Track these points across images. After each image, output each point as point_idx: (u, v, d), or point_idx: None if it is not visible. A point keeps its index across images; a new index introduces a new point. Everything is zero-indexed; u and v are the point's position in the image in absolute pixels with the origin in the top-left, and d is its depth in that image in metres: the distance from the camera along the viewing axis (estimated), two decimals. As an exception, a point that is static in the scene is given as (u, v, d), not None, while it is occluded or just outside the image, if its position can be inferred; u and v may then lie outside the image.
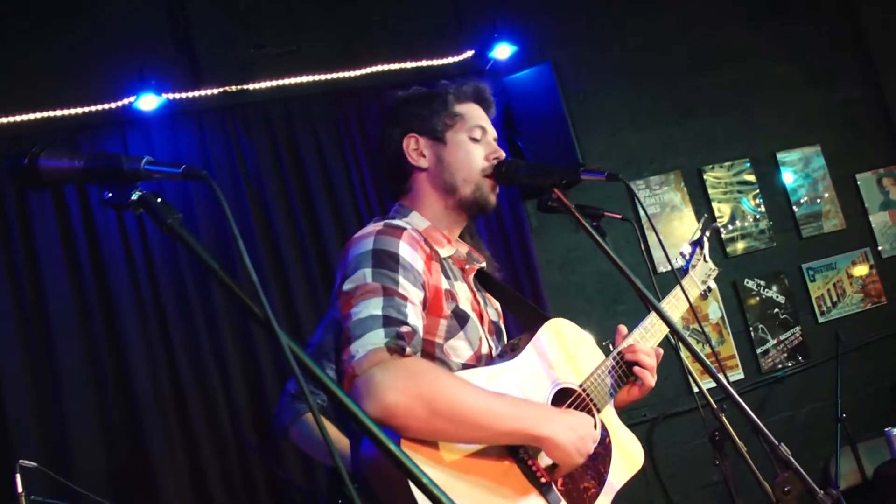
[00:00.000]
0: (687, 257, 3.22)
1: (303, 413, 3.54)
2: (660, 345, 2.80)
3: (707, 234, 3.28)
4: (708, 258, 3.24)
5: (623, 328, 2.77)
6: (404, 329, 2.12)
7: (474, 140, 2.52)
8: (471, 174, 2.48)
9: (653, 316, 2.83)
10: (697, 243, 3.25)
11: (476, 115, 2.57)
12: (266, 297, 4.37)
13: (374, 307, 2.14)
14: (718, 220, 6.28)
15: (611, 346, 2.71)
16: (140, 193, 1.44)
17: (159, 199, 1.44)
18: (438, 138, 2.50)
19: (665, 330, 2.85)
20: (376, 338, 2.09)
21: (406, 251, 2.26)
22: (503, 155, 2.55)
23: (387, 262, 2.22)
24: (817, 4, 6.91)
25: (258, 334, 4.88)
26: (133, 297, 4.77)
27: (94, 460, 4.54)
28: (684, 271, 3.18)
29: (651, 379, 2.65)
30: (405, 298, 2.18)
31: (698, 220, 5.93)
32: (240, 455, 4.76)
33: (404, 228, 2.33)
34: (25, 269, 4.64)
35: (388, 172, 2.57)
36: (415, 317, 2.18)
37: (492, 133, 2.58)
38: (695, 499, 5.74)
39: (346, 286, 2.22)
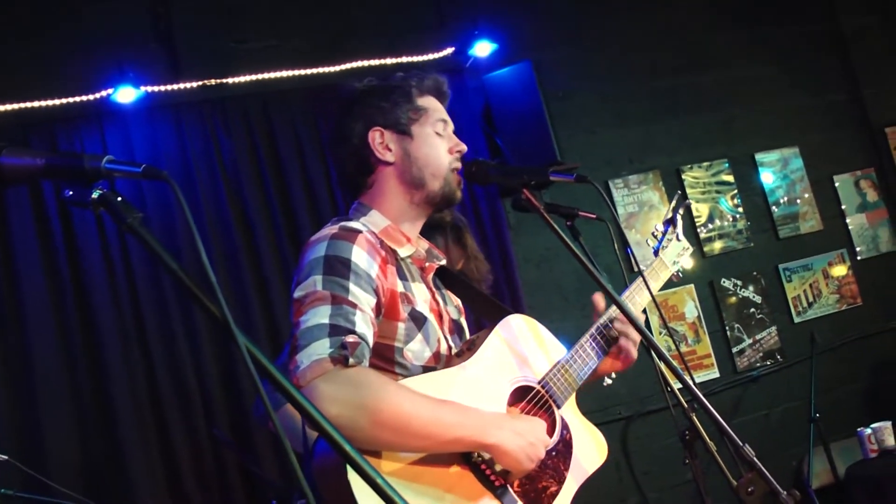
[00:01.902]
0: (659, 237, 3.19)
1: (283, 403, 3.53)
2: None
3: (680, 211, 3.26)
4: (681, 236, 3.22)
5: (599, 298, 2.77)
6: (350, 339, 2.11)
7: (438, 133, 2.51)
8: (439, 168, 2.47)
9: (632, 287, 2.90)
10: (670, 222, 3.22)
11: (437, 109, 2.55)
12: (242, 291, 4.39)
13: (322, 316, 2.14)
14: (696, 219, 6.30)
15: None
16: (100, 192, 1.44)
17: (119, 198, 1.44)
18: (404, 131, 2.47)
19: (643, 303, 2.90)
20: (321, 348, 2.08)
21: (359, 256, 2.25)
22: (465, 148, 2.55)
23: (338, 268, 2.21)
24: (798, 7, 6.93)
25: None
26: (108, 292, 4.75)
27: (67, 455, 4.52)
28: (655, 252, 3.17)
29: (634, 352, 2.70)
30: (355, 306, 2.17)
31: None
32: (214, 451, 4.75)
33: (359, 231, 2.31)
34: (1, 264, 4.62)
35: (350, 167, 2.52)
36: (364, 324, 2.16)
37: (451, 126, 2.57)
38: (669, 496, 5.77)
39: (297, 293, 2.22)
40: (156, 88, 5.01)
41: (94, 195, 1.44)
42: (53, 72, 4.91)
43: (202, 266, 1.43)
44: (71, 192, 1.45)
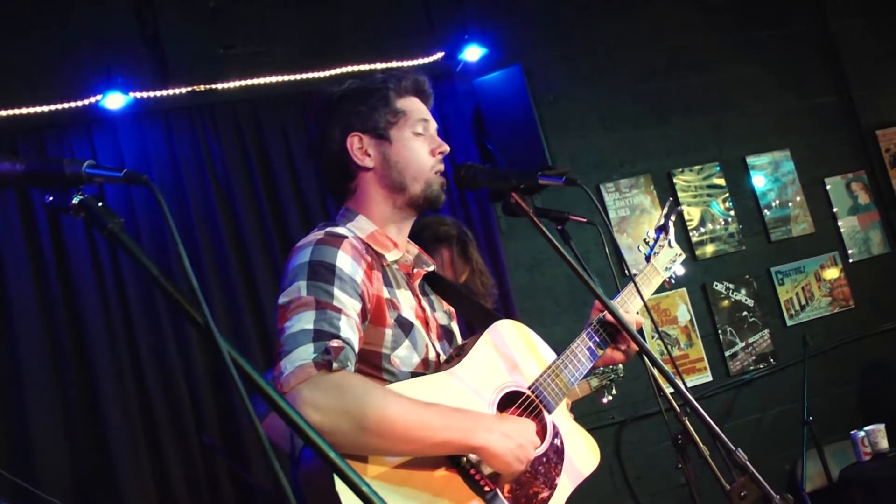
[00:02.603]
0: (651, 243, 3.18)
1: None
2: None
3: (672, 218, 3.25)
4: (673, 243, 3.21)
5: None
6: (334, 343, 2.09)
7: (418, 135, 2.48)
8: (420, 171, 2.45)
9: (623, 292, 2.89)
10: (662, 228, 3.22)
11: (417, 109, 2.52)
12: (233, 299, 4.36)
13: (306, 321, 2.12)
14: (688, 223, 6.29)
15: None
16: (81, 197, 1.42)
17: (100, 204, 1.42)
18: (383, 136, 2.45)
19: (636, 307, 2.90)
20: (305, 353, 2.06)
21: (344, 261, 2.23)
22: (447, 149, 2.52)
23: (322, 273, 2.19)
24: (788, 10, 6.95)
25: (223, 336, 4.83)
26: (98, 297, 4.72)
27: (55, 463, 4.48)
28: (647, 258, 3.16)
29: (634, 344, 2.67)
30: (339, 311, 2.15)
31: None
32: (204, 458, 4.72)
33: (345, 237, 2.29)
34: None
35: (331, 173, 2.51)
36: (349, 329, 2.15)
37: (433, 126, 2.54)
38: (661, 501, 5.75)
39: (282, 299, 2.20)
40: (145, 94, 4.99)
41: (75, 200, 1.42)
42: (42, 78, 4.88)
43: (186, 272, 1.40)
44: (52, 198, 1.44)
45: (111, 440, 4.56)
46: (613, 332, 2.73)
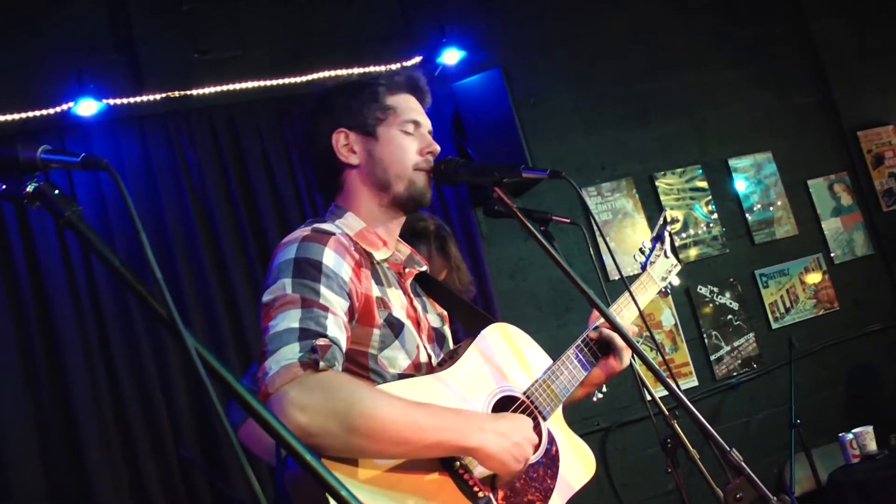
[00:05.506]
0: (646, 253, 3.14)
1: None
2: None
3: (668, 229, 3.22)
4: (669, 254, 3.18)
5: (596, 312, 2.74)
6: (321, 342, 2.01)
7: (407, 133, 2.40)
8: (403, 170, 2.37)
9: (619, 300, 2.84)
10: (658, 239, 3.18)
11: (409, 107, 2.45)
12: (210, 305, 4.26)
13: (291, 319, 2.04)
14: (671, 226, 6.23)
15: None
16: (36, 185, 1.33)
17: (57, 191, 1.33)
18: (369, 133, 2.38)
19: (631, 316, 2.84)
20: (290, 353, 1.98)
21: (331, 258, 2.15)
22: (437, 149, 2.44)
23: (308, 271, 2.12)
24: (768, 10, 6.93)
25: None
26: (71, 306, 4.62)
27: (30, 478, 4.38)
28: (643, 267, 3.11)
29: (628, 355, 2.66)
30: (326, 309, 2.07)
31: (650, 226, 5.90)
32: (182, 470, 4.62)
33: (332, 234, 2.22)
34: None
35: (319, 169, 2.45)
36: (336, 328, 2.07)
37: (426, 125, 2.47)
38: (649, 508, 5.69)
39: (266, 297, 2.13)
40: (118, 101, 4.90)
41: (29, 188, 1.33)
42: (13, 85, 4.80)
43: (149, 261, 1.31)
44: (4, 186, 1.35)
45: (86, 454, 4.47)
46: (607, 341, 2.66)
